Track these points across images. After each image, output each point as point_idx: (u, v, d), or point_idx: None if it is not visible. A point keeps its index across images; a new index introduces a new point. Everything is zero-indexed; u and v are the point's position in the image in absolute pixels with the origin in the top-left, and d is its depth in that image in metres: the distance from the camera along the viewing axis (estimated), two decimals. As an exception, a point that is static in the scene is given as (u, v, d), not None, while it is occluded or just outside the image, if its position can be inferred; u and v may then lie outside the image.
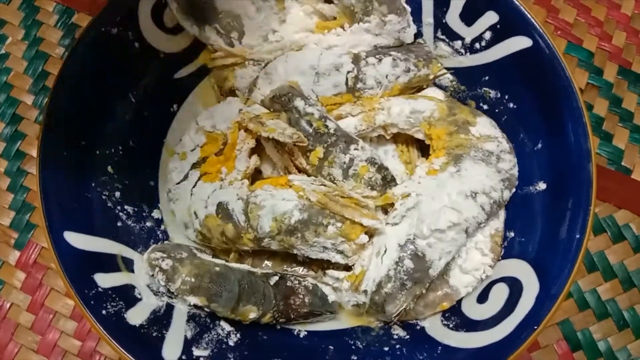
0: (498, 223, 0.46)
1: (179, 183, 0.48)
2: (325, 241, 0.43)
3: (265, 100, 0.48)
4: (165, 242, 0.47)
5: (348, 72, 0.48)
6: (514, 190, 0.46)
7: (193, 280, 0.42)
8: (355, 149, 0.46)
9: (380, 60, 0.48)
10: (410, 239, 0.43)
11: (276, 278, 0.44)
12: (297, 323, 0.46)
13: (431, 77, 0.49)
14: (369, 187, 0.45)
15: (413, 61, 0.49)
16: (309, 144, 0.45)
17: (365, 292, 0.43)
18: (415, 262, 0.43)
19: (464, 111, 0.48)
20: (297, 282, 0.45)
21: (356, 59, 0.48)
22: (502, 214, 0.47)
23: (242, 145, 0.46)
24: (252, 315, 0.43)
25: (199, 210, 0.46)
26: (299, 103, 0.46)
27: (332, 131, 0.46)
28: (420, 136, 0.49)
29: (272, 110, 0.47)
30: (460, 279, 0.45)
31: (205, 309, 0.43)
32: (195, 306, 0.43)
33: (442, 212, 0.43)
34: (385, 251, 0.43)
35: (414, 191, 0.45)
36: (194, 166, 0.47)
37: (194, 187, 0.47)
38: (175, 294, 0.43)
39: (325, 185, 0.44)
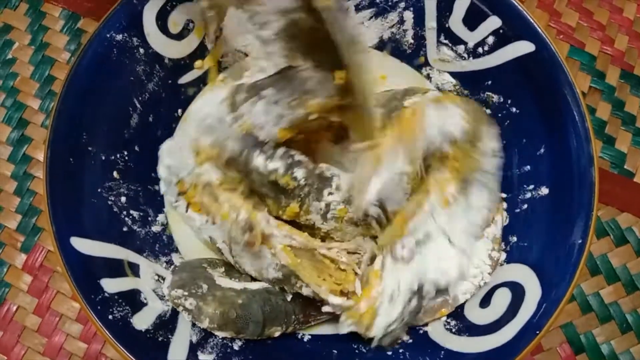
0: (496, 230, 0.47)
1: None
2: (305, 294, 0.43)
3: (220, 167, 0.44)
4: (178, 264, 0.46)
5: None
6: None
7: (219, 318, 0.42)
8: (329, 194, 0.43)
9: None
10: (421, 284, 0.43)
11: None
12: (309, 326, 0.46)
13: None
14: (352, 225, 0.44)
15: None
16: (283, 202, 0.43)
17: (367, 328, 0.42)
18: (418, 301, 0.43)
19: (483, 121, 0.45)
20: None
21: None
22: (500, 220, 0.47)
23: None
24: (277, 334, 0.44)
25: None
26: (258, 162, 0.42)
27: (302, 182, 0.42)
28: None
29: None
30: (459, 286, 0.45)
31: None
32: None
33: (451, 258, 0.43)
34: (397, 298, 0.42)
35: (425, 223, 0.43)
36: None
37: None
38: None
39: (296, 247, 0.43)
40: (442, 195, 0.43)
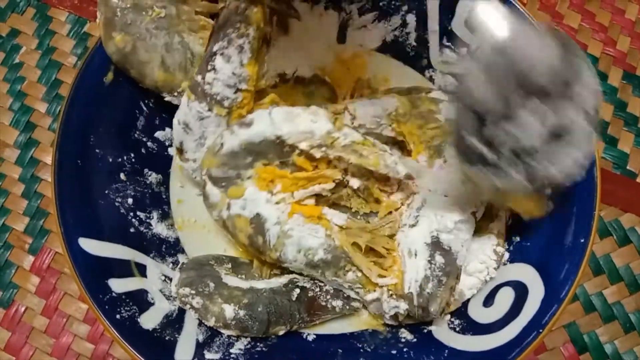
0: (500, 225, 0.47)
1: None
2: (343, 282, 0.44)
3: None
4: (186, 262, 0.46)
5: None
6: None
7: (225, 317, 0.43)
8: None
9: None
10: (435, 235, 0.43)
11: (297, 291, 0.44)
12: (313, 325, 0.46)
13: None
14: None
15: None
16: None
17: (408, 296, 0.43)
18: (445, 257, 0.43)
19: (425, 101, 0.48)
20: (318, 289, 0.45)
21: None
22: (503, 216, 0.47)
23: (318, 188, 0.44)
24: (281, 332, 0.44)
25: (234, 202, 0.44)
26: None
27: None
28: (390, 133, 0.48)
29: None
30: (465, 282, 0.45)
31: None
32: None
33: (452, 203, 0.44)
34: (416, 253, 0.43)
35: (413, 192, 0.45)
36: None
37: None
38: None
39: (356, 228, 0.44)
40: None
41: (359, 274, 0.43)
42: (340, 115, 0.46)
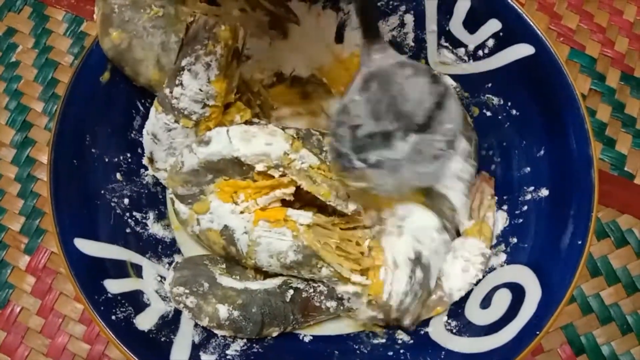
0: (486, 228, 0.47)
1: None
2: (320, 278, 0.44)
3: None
4: (180, 261, 0.46)
5: None
6: (475, 164, 0.48)
7: (218, 318, 0.43)
8: None
9: None
10: (418, 250, 0.44)
11: (291, 292, 0.44)
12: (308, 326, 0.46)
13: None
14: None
15: None
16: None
17: (385, 307, 0.43)
18: (424, 273, 0.44)
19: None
20: (312, 290, 0.45)
21: None
22: (491, 216, 0.48)
23: (279, 193, 0.44)
24: (275, 334, 0.45)
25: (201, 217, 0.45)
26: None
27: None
28: None
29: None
30: (453, 283, 0.45)
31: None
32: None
33: (433, 216, 0.45)
34: (398, 265, 0.44)
35: (364, 225, 0.46)
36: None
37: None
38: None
39: (324, 223, 0.44)
40: None
41: (332, 269, 0.43)
42: (298, 138, 0.45)
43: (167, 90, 0.43)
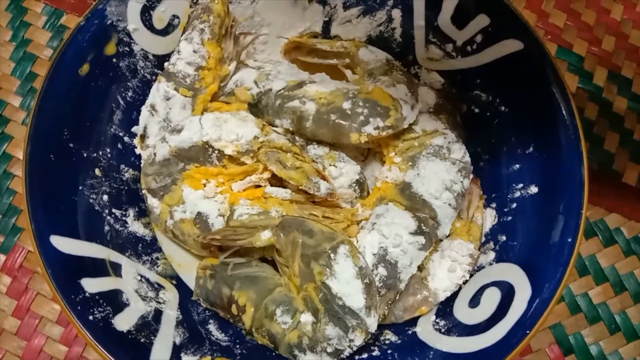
0: (475, 228, 0.47)
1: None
2: None
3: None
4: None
5: None
6: (471, 177, 0.46)
7: None
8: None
9: None
10: (383, 246, 0.43)
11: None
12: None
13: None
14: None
15: None
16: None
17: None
18: (388, 270, 0.43)
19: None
20: None
21: None
22: (479, 218, 0.47)
23: (255, 178, 0.45)
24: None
25: (174, 209, 0.45)
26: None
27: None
28: (367, 144, 0.48)
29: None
30: (439, 283, 0.45)
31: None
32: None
33: (410, 218, 0.44)
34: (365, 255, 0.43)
35: (380, 198, 0.45)
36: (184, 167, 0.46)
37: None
38: None
39: (298, 202, 0.45)
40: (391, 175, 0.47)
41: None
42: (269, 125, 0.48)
43: (167, 63, 0.48)
